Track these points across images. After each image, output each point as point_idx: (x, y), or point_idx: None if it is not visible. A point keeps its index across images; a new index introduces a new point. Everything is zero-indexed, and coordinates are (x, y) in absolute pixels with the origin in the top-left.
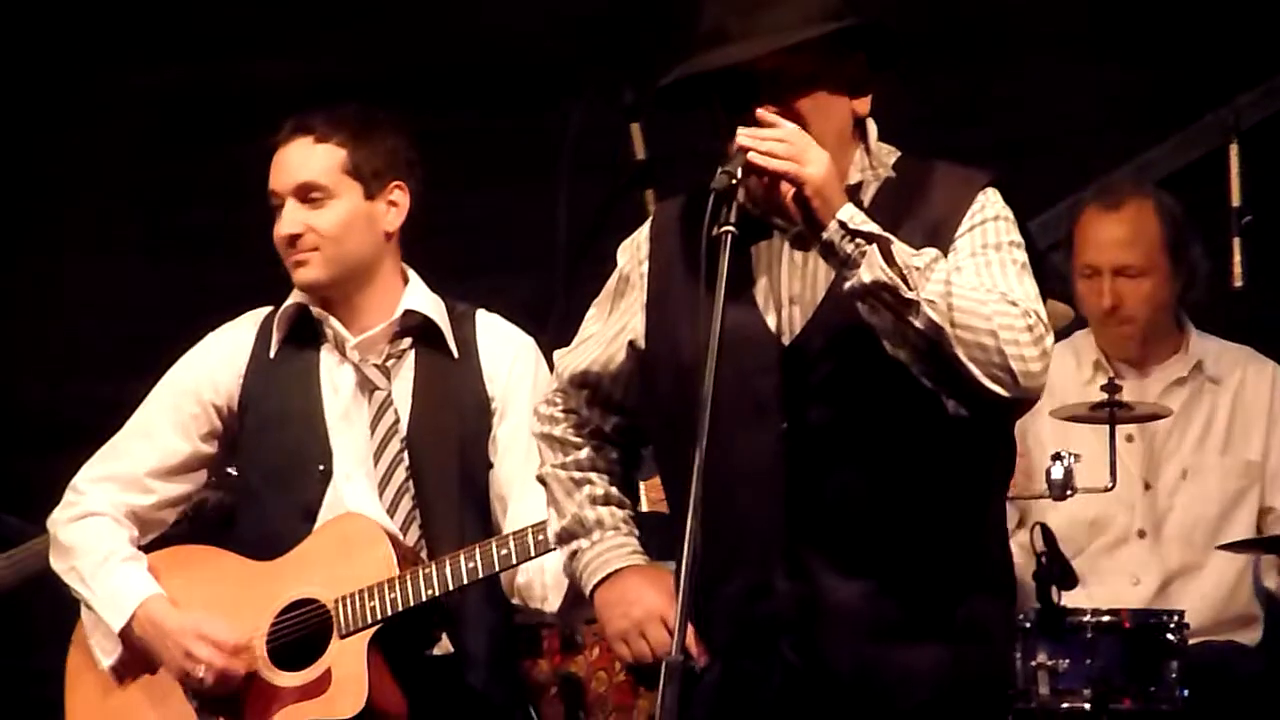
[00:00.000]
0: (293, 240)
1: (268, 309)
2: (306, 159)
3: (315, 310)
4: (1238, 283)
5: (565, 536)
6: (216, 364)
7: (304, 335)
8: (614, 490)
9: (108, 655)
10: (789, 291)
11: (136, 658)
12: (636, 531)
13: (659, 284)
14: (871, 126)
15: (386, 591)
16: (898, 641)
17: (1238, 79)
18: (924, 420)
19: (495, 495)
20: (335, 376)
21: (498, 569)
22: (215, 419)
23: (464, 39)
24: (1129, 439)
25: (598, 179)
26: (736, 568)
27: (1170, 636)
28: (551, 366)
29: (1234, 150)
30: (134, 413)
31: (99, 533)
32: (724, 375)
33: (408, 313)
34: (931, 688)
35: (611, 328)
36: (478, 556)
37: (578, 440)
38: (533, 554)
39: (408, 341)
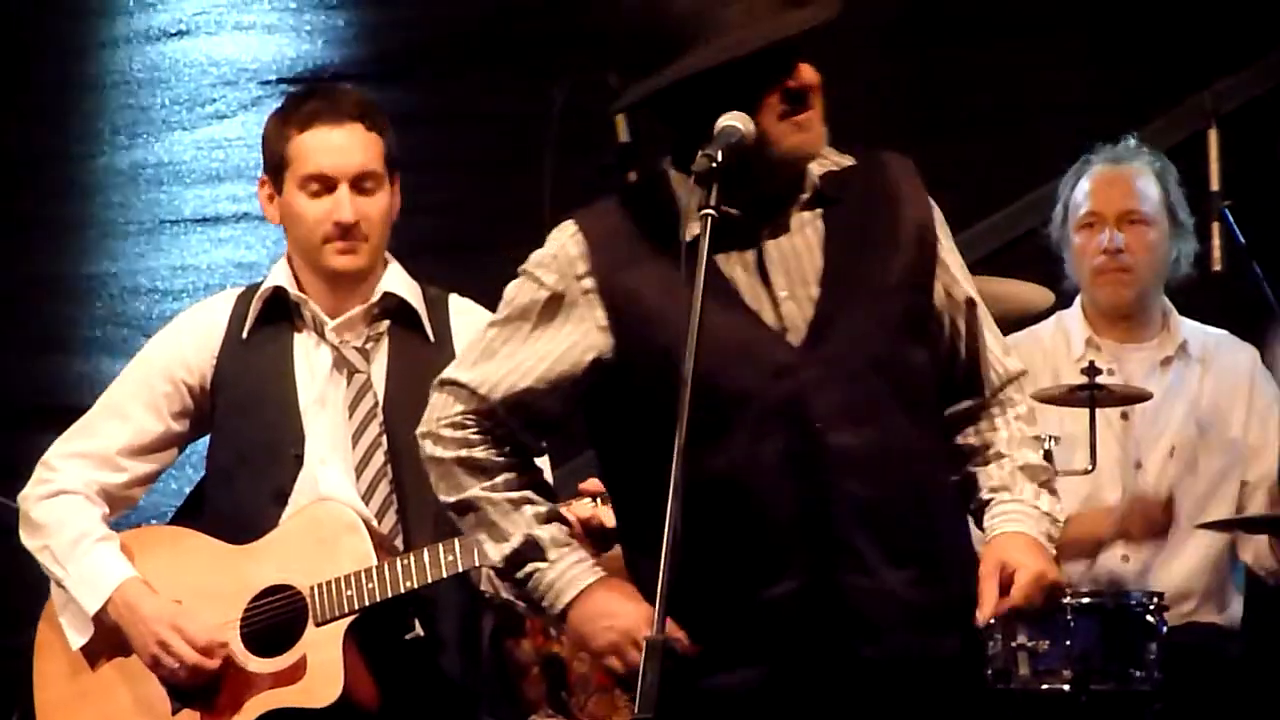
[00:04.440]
0: (348, 227)
1: (241, 288)
2: (365, 146)
3: (294, 294)
4: (1216, 266)
5: (517, 559)
6: (189, 343)
7: (277, 317)
8: (552, 507)
9: (80, 635)
10: (778, 288)
11: (109, 639)
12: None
13: (625, 294)
14: None
15: (364, 581)
16: (934, 627)
17: (1218, 63)
18: (929, 404)
19: None
20: (311, 359)
21: (476, 564)
22: (187, 398)
23: (453, 19)
24: (1124, 416)
25: (581, 159)
26: (785, 569)
27: (1150, 619)
28: None
29: (1213, 135)
30: (106, 390)
31: (72, 511)
32: (741, 381)
33: (386, 294)
34: (957, 671)
35: (555, 346)
36: (457, 550)
37: (501, 460)
38: None
39: (385, 324)
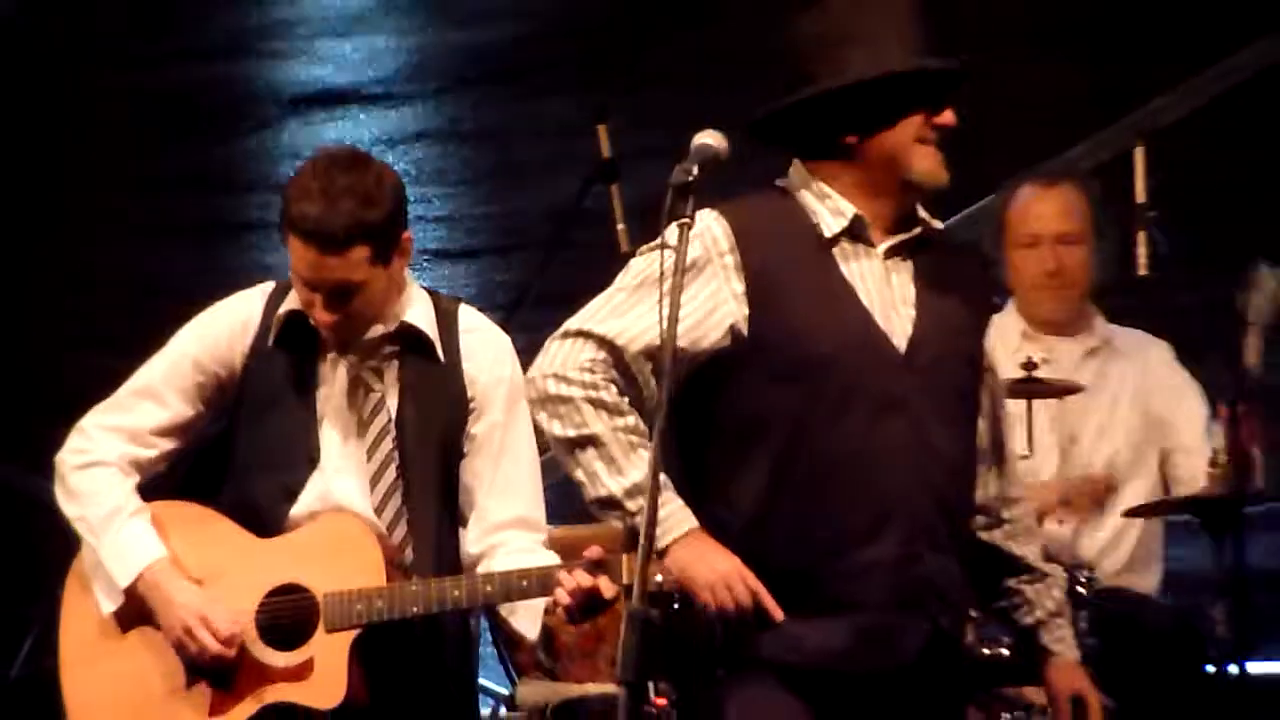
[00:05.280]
0: (326, 325)
1: (272, 287)
2: (353, 268)
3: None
4: (1142, 271)
5: (635, 492)
6: (223, 338)
7: (302, 330)
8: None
9: (111, 602)
10: (886, 301)
11: (136, 610)
12: None
13: (764, 280)
14: None
15: (374, 599)
16: (967, 611)
17: (1156, 82)
18: (974, 429)
19: (463, 484)
20: (330, 374)
21: (480, 604)
22: (217, 388)
23: (452, 43)
24: (1058, 399)
25: (567, 174)
26: (886, 533)
27: (1080, 589)
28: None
29: (1139, 152)
30: (141, 369)
31: (108, 484)
32: (861, 371)
33: (404, 324)
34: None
35: (696, 306)
36: (464, 589)
37: (626, 406)
38: (514, 597)
39: (398, 345)
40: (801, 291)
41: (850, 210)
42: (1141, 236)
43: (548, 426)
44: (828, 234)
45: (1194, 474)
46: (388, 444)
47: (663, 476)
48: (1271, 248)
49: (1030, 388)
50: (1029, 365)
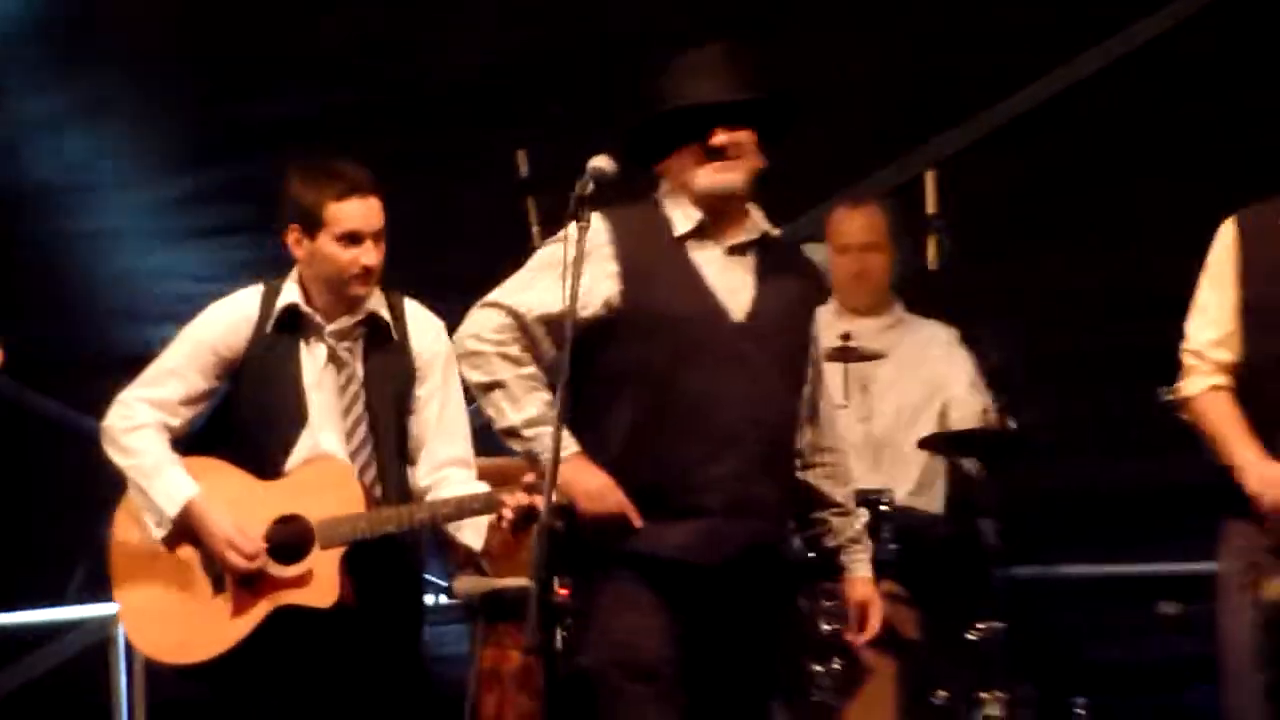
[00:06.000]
0: (370, 270)
1: (264, 286)
2: (381, 212)
3: (304, 308)
4: (932, 266)
5: (535, 422)
6: (229, 326)
7: (291, 320)
8: (552, 399)
9: (162, 530)
10: (727, 284)
11: (179, 534)
12: None
13: (631, 264)
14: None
15: (358, 522)
16: (785, 525)
17: (944, 121)
18: (801, 392)
19: (412, 434)
20: (314, 353)
21: (440, 522)
22: (225, 367)
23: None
24: (864, 360)
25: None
26: (723, 458)
27: (884, 507)
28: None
29: (929, 175)
30: (164, 351)
31: (151, 441)
32: (701, 332)
33: (371, 313)
34: (783, 549)
35: (582, 286)
36: (427, 510)
37: (527, 358)
38: (465, 515)
39: (365, 329)
40: (659, 274)
41: (697, 216)
42: (931, 240)
43: (468, 375)
44: (678, 233)
45: (964, 416)
46: (359, 407)
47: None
48: (1038, 245)
49: (845, 353)
50: (845, 336)
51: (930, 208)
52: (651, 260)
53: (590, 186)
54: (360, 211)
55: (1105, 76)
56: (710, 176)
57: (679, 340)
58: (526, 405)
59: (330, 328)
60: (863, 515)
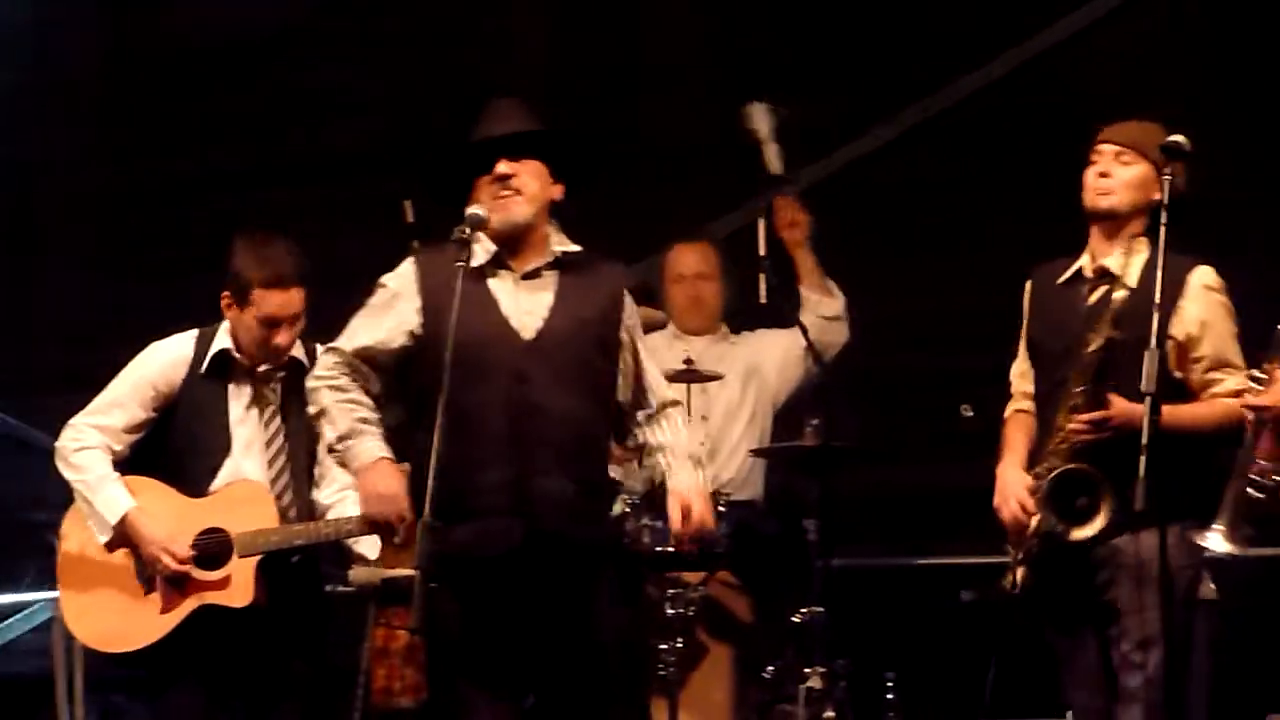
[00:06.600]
0: (280, 349)
1: (198, 331)
2: (301, 300)
3: (234, 354)
4: (763, 300)
5: (346, 435)
6: (167, 365)
7: (222, 362)
8: (373, 415)
9: (104, 536)
10: (520, 307)
11: (119, 540)
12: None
13: (432, 298)
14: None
15: (270, 535)
16: (585, 520)
17: (776, 181)
18: (604, 394)
19: (319, 459)
20: (240, 391)
21: (340, 538)
22: (162, 400)
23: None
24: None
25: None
26: (501, 464)
27: (721, 508)
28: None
29: (761, 222)
30: (109, 385)
31: (97, 460)
32: (493, 356)
33: (292, 359)
34: (601, 545)
35: (391, 320)
36: (332, 527)
37: (351, 388)
38: (365, 533)
39: (285, 372)
40: (459, 304)
41: (492, 248)
42: (761, 277)
43: (309, 410)
44: (475, 264)
45: (783, 365)
46: (280, 439)
47: (372, 422)
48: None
49: (689, 375)
50: (689, 361)
51: (761, 250)
52: (450, 292)
53: (467, 231)
54: (280, 301)
55: (926, 130)
56: (496, 212)
57: (468, 362)
58: (340, 423)
59: (259, 370)
60: (686, 459)
